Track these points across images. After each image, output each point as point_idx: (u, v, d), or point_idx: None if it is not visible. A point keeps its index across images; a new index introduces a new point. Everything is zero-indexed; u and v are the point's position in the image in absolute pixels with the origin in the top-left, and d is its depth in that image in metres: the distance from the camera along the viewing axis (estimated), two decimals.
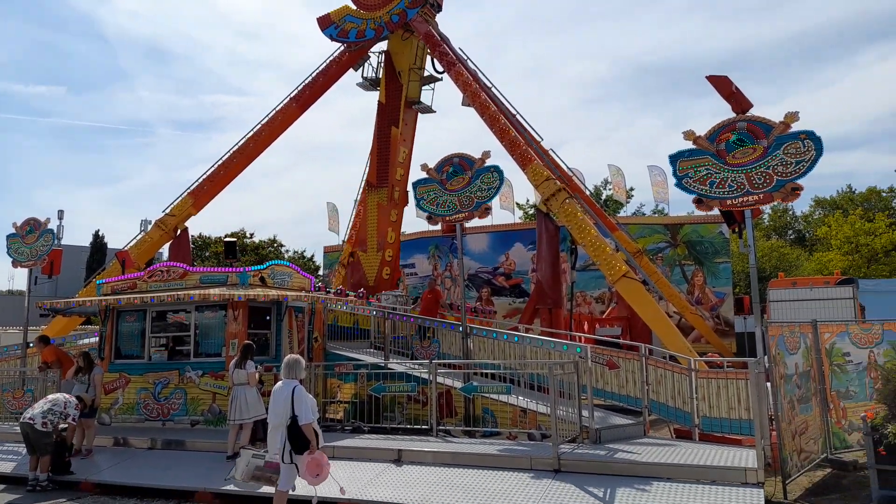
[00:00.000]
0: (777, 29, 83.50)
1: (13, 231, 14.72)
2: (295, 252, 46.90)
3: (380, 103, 19.28)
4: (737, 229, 10.10)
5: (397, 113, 18.88)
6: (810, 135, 9.07)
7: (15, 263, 14.66)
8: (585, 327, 19.20)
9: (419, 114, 19.97)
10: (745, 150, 9.40)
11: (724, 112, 10.74)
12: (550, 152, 18.37)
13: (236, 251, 16.70)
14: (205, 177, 18.71)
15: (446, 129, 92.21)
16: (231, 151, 18.89)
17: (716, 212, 10.48)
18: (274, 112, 19.16)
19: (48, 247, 14.38)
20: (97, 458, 10.20)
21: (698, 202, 9.77)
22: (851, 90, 73.29)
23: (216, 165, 18.81)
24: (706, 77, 10.70)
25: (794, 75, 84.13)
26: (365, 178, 19.72)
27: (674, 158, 9.95)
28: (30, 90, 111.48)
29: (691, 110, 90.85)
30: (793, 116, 9.20)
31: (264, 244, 44.62)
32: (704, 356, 12.83)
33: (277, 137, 19.50)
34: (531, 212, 34.76)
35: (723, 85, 10.67)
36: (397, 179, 18.93)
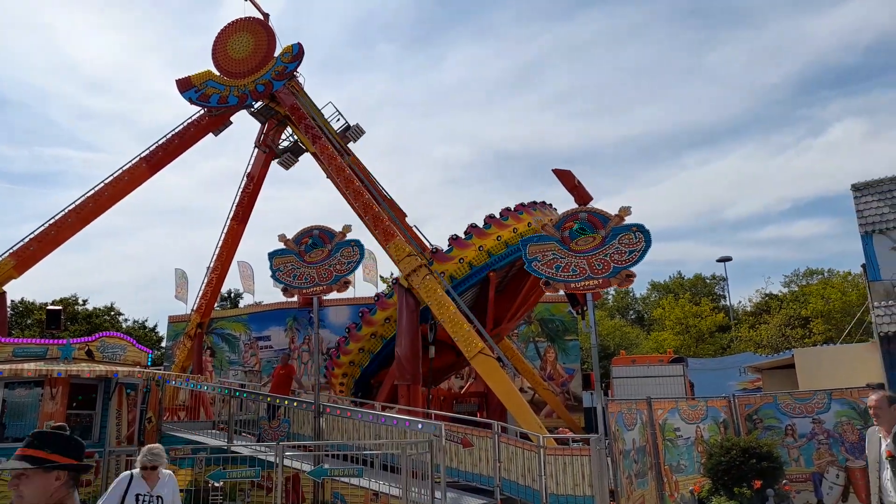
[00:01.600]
0: (618, 130, 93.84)
1: None
2: (135, 321, 43.01)
3: (314, 154, 18.59)
4: (580, 311, 10.77)
5: (337, 147, 18.23)
6: (640, 227, 10.02)
7: None
8: (442, 404, 19.17)
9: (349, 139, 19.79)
10: (587, 239, 10.16)
11: (571, 202, 11.71)
12: (414, 228, 18.76)
13: (60, 320, 14.99)
14: (31, 236, 16.84)
15: (310, 199, 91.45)
16: (66, 210, 17.27)
17: (562, 293, 11.15)
18: (120, 171, 17.93)
19: None
20: None
21: (546, 284, 10.34)
22: (680, 186, 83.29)
23: (47, 224, 17.05)
24: (552, 170, 11.66)
25: (633, 171, 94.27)
26: (356, 215, 18.15)
27: (524, 242, 10.53)
28: None
29: (547, 195, 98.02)
30: (626, 211, 10.15)
31: (99, 312, 40.55)
32: (555, 431, 13.24)
33: (123, 198, 18.18)
34: (393, 284, 34.92)
35: (567, 178, 11.66)
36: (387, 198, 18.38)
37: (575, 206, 10.63)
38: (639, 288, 54.92)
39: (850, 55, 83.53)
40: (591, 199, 10.80)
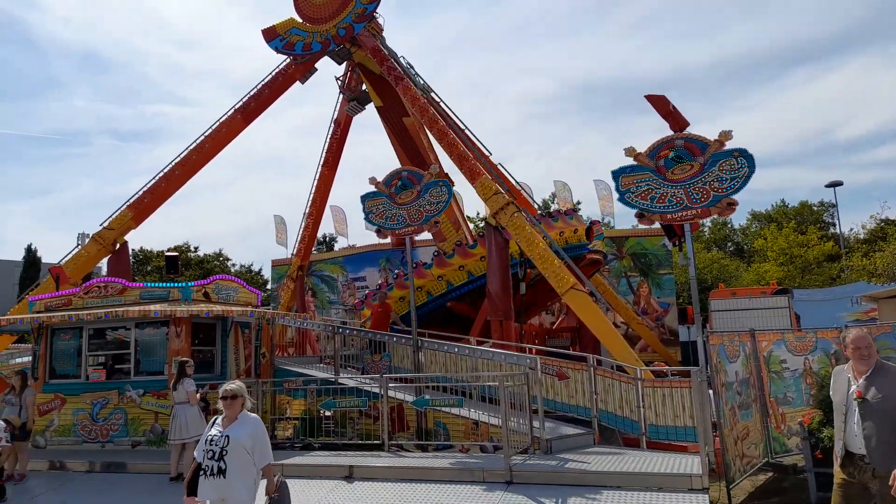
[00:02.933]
0: (712, 52, 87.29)
1: None
2: (242, 266, 45.88)
3: (379, 109, 19.07)
4: (677, 242, 10.43)
5: (401, 105, 18.64)
6: (743, 152, 9.45)
7: None
8: (535, 339, 19.40)
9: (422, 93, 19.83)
10: (683, 167, 9.72)
11: (664, 129, 11.17)
12: (499, 166, 18.59)
13: (178, 266, 16.22)
14: (146, 189, 18.13)
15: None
16: (173, 163, 18.38)
17: (657, 225, 10.81)
18: (218, 124, 18.77)
19: None
20: (31, 484, 9.67)
21: (640, 216, 10.04)
22: (782, 110, 77.16)
23: (157, 177, 18.26)
24: (645, 96, 11.07)
25: (728, 95, 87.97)
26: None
27: (616, 174, 10.21)
28: None
29: (633, 127, 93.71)
30: (726, 135, 9.58)
31: (209, 258, 43.45)
32: (651, 365, 13.15)
33: (222, 149, 19.10)
34: (481, 225, 35.06)
35: (661, 104, 11.06)
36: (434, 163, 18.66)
37: (670, 133, 10.13)
38: (738, 218, 52.28)
39: None
40: (687, 124, 10.24)
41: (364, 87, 20.01)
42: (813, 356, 10.09)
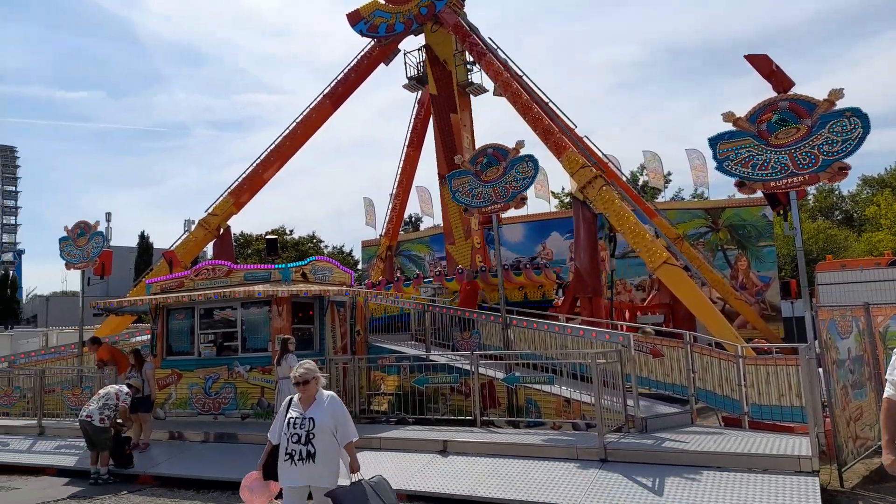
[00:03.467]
0: (816, 3, 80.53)
1: (65, 234, 15.26)
2: (334, 247, 47.56)
3: (432, 96, 19.25)
4: (781, 212, 9.85)
5: (452, 100, 18.81)
6: (856, 112, 8.76)
7: (68, 265, 15.21)
8: (626, 315, 18.98)
9: (472, 96, 19.84)
10: (788, 130, 9.12)
11: (764, 91, 10.48)
12: (585, 139, 18.18)
13: (278, 248, 17.05)
14: (244, 176, 19.09)
15: (478, 119, 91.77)
16: (268, 150, 19.23)
17: (758, 194, 10.24)
18: (308, 110, 19.42)
19: (98, 248, 14.88)
20: (153, 452, 10.58)
21: (740, 185, 9.54)
22: None
23: (255, 165, 19.17)
24: (745, 56, 10.40)
25: (837, 49, 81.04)
26: (437, 173, 19.32)
27: (713, 141, 9.73)
28: (70, 96, 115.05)
29: (729, 91, 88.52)
30: (837, 94, 8.89)
31: (304, 240, 45.36)
32: (751, 342, 12.58)
33: (313, 134, 19.78)
34: (567, 200, 34.45)
35: (762, 64, 10.37)
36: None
37: (772, 95, 9.51)
38: (846, 185, 48.51)
39: None
40: (792, 84, 9.55)
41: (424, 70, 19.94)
42: None
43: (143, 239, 51.65)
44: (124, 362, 11.83)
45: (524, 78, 18.19)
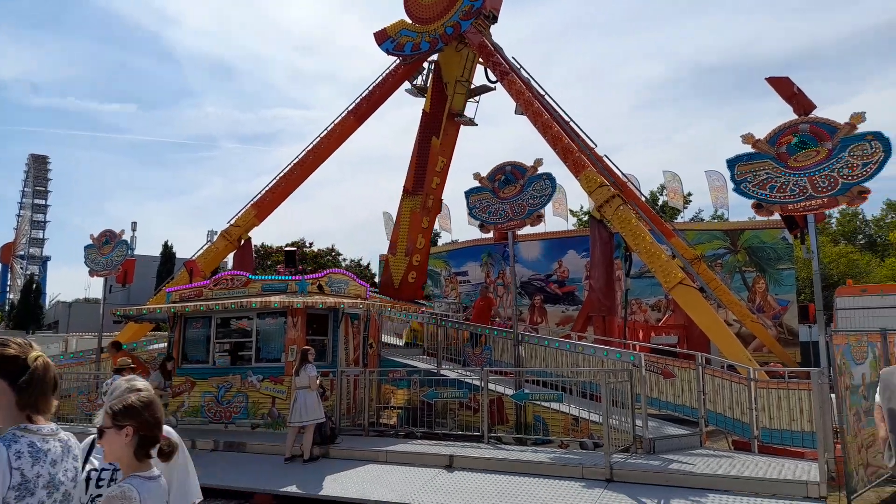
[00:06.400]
0: (845, 23, 79.89)
1: (90, 242, 15.64)
2: (351, 260, 47.85)
3: (424, 112, 19.53)
4: (798, 235, 9.81)
5: (440, 124, 19.09)
6: (878, 135, 8.75)
7: (91, 272, 15.58)
8: (640, 335, 18.84)
9: (461, 126, 20.13)
10: (808, 153, 9.13)
11: (788, 114, 10.47)
12: (604, 158, 18.18)
13: (296, 260, 17.28)
14: (267, 189, 19.39)
15: (499, 138, 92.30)
16: (292, 164, 19.52)
17: (777, 217, 10.21)
18: (332, 125, 19.69)
19: (122, 257, 15.23)
20: None
21: (758, 207, 9.55)
22: None
23: (278, 178, 19.47)
24: (766, 79, 10.44)
25: (864, 72, 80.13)
26: (402, 186, 19.70)
27: (732, 162, 9.75)
28: (103, 108, 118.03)
29: (753, 112, 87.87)
30: (858, 117, 8.88)
31: (323, 253, 45.73)
32: (767, 366, 12.43)
33: (336, 149, 20.01)
34: (585, 219, 34.34)
35: (784, 87, 10.38)
36: (433, 188, 19.08)
37: (793, 117, 9.51)
38: (871, 208, 47.65)
39: None
40: (813, 107, 9.55)
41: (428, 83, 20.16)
42: None
43: (167, 248, 52.48)
44: (141, 368, 12.05)
45: (546, 97, 18.33)
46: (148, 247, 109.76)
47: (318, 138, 19.59)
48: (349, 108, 19.79)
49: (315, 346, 12.47)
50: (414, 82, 20.61)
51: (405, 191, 19.30)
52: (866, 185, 8.82)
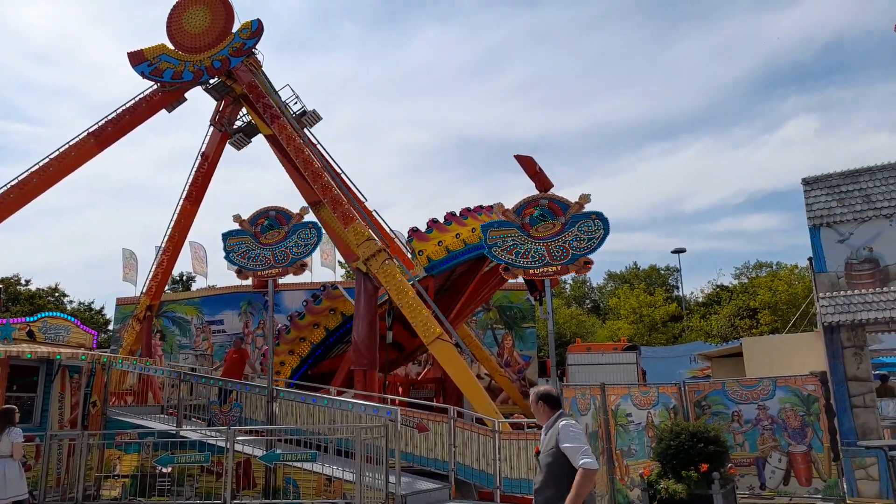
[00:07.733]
0: (579, 121, 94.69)
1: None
2: (81, 303, 41.57)
3: (269, 137, 18.00)
4: (538, 297, 10.84)
5: (287, 127, 17.68)
6: (599, 215, 10.10)
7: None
8: (400, 390, 19.13)
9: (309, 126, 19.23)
10: (546, 225, 10.19)
11: (532, 189, 11.73)
12: (374, 213, 18.55)
13: (0, 300, 14.33)
14: None
15: (267, 182, 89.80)
16: (8, 186, 16.49)
17: (521, 280, 11.19)
18: (67, 146, 17.20)
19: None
20: None
21: (505, 270, 10.35)
22: (639, 178, 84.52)
23: None
24: (514, 156, 11.66)
25: (593, 162, 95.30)
26: (306, 202, 17.39)
27: (485, 228, 10.50)
28: None
29: (508, 183, 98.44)
30: (586, 198, 10.20)
31: (42, 292, 39.04)
32: (511, 417, 13.35)
33: (69, 174, 17.45)
34: (351, 271, 34.58)
35: (528, 164, 11.67)
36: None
37: (536, 192, 10.63)
38: (596, 277, 55.85)
39: (807, 53, 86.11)
40: (551, 185, 10.85)
41: (249, 119, 19.25)
42: (655, 409, 10.68)
43: None
44: None
45: (318, 146, 18.21)
46: None
47: (47, 159, 16.93)
48: (90, 130, 17.54)
49: (21, 405, 10.31)
50: (231, 139, 19.33)
51: (312, 204, 16.90)
52: (590, 256, 10.09)
